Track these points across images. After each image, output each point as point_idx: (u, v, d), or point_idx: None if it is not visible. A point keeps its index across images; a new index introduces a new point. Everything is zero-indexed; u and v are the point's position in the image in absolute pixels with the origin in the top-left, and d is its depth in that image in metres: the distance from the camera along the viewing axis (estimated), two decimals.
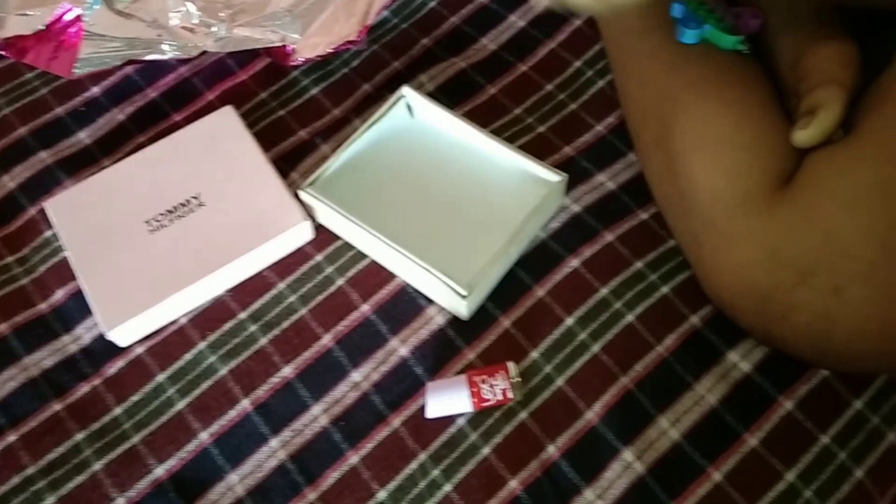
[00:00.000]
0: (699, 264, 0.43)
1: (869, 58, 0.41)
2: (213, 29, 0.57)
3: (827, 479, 0.41)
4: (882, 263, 0.35)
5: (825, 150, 0.39)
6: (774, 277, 0.37)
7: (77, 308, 0.48)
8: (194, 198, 0.50)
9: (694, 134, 0.43)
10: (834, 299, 0.36)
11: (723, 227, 0.40)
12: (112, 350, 0.47)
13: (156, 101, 0.57)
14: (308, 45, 0.54)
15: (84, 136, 0.56)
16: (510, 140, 0.53)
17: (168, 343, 0.47)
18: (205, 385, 0.46)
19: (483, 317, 0.47)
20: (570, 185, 0.51)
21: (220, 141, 0.52)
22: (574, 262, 0.48)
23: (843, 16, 0.44)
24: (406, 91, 0.52)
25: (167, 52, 0.55)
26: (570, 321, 0.46)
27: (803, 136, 0.39)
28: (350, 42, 0.53)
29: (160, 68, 0.57)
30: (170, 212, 0.50)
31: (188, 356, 0.47)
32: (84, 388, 0.46)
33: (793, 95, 0.43)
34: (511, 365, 0.44)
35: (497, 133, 0.53)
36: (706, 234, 0.41)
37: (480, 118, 0.54)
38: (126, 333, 0.47)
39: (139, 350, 0.47)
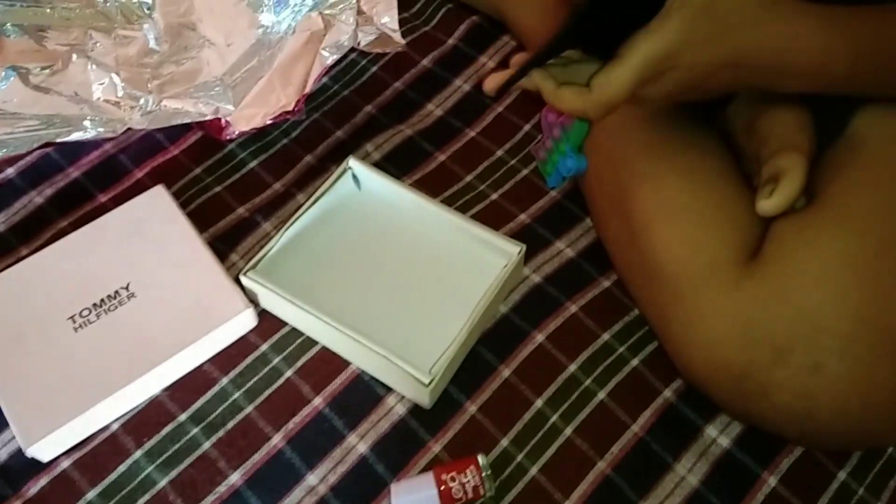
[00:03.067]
0: (668, 339, 0.41)
1: (820, 123, 0.41)
2: (141, 102, 0.53)
3: None
4: (859, 337, 0.34)
5: (791, 222, 0.38)
6: (749, 355, 0.36)
7: None
8: (124, 288, 0.46)
9: (653, 202, 0.41)
10: (814, 377, 0.34)
11: (691, 301, 0.38)
12: (33, 467, 0.42)
13: (78, 180, 0.53)
14: (243, 116, 0.51)
15: None
16: (463, 209, 0.51)
17: (98, 454, 0.43)
18: (142, 501, 0.41)
19: (447, 403, 0.44)
20: (529, 255, 0.49)
21: (151, 223, 0.48)
22: (539, 337, 0.46)
23: None
24: (352, 162, 0.50)
25: (89, 129, 0.51)
26: (539, 403, 0.44)
27: (768, 205, 0.38)
28: (288, 112, 0.50)
29: (82, 145, 0.53)
30: (96, 306, 0.45)
31: (122, 468, 0.42)
32: None
33: (750, 160, 0.42)
34: (481, 457, 0.41)
35: (449, 202, 0.51)
36: (673, 308, 0.40)
37: (431, 187, 0.52)
38: (49, 447, 0.42)
39: (65, 464, 0.42)
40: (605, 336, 0.46)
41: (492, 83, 0.36)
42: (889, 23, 0.35)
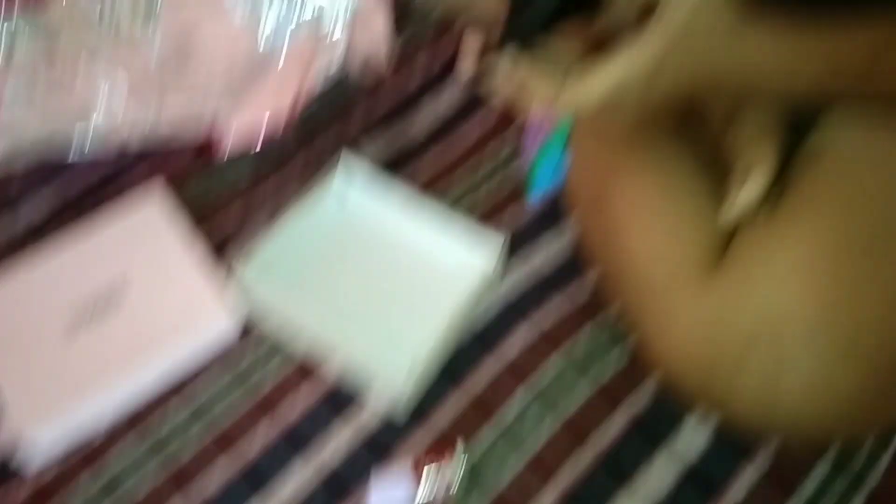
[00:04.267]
0: (643, 330, 0.42)
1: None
2: (141, 120, 0.56)
3: None
4: (818, 335, 0.35)
5: (756, 227, 0.39)
6: (719, 346, 0.37)
7: None
8: (117, 292, 0.48)
9: (630, 204, 0.43)
10: (778, 366, 0.35)
11: (662, 301, 0.40)
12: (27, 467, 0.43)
13: (81, 190, 0.55)
14: (235, 136, 0.53)
15: None
16: (450, 213, 0.52)
17: (93, 451, 0.43)
18: (141, 495, 0.42)
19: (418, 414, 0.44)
20: (509, 263, 0.50)
21: (148, 230, 0.50)
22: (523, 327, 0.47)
23: None
24: (342, 168, 0.52)
25: (91, 144, 0.53)
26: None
27: (733, 207, 0.39)
28: (276, 132, 0.52)
29: (87, 157, 0.55)
30: (90, 310, 0.47)
31: (117, 464, 0.43)
32: None
33: (725, 147, 0.43)
34: (459, 443, 0.41)
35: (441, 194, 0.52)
36: (647, 306, 0.41)
37: (419, 192, 0.53)
38: (44, 446, 0.42)
39: (59, 463, 0.43)
40: (569, 350, 0.46)
41: (467, 63, 0.37)
42: (853, 43, 0.37)
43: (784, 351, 0.35)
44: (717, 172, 0.44)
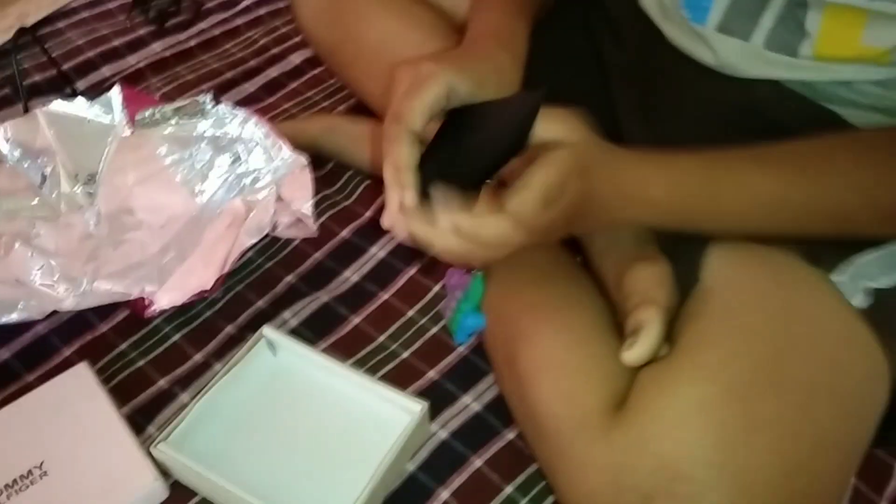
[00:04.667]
0: (555, 488, 0.43)
1: (680, 275, 0.45)
2: (75, 284, 0.57)
3: None
4: (712, 483, 0.35)
5: (651, 370, 0.41)
6: (621, 499, 0.37)
7: None
8: (37, 467, 0.47)
9: (534, 359, 0.44)
10: None
11: (568, 453, 0.40)
12: None
13: (8, 362, 0.55)
14: (166, 295, 0.54)
15: None
16: (374, 368, 0.54)
17: None
18: None
19: None
20: (437, 410, 0.51)
21: (71, 401, 0.50)
22: (444, 495, 0.47)
23: (658, 235, 0.49)
24: (266, 331, 0.53)
25: (21, 311, 0.54)
26: None
27: (630, 356, 0.41)
28: (205, 291, 0.54)
29: (15, 327, 0.56)
30: (8, 486, 0.46)
31: None
32: None
33: (620, 312, 0.46)
34: None
35: (362, 362, 0.54)
36: (556, 460, 0.41)
37: (345, 349, 0.55)
38: None
39: None
40: (509, 489, 0.47)
41: (388, 220, 0.39)
42: (711, 174, 0.40)
43: (679, 503, 0.35)
44: (621, 319, 0.46)
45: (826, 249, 0.42)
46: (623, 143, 0.51)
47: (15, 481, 0.47)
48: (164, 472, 0.47)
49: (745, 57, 0.46)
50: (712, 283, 0.43)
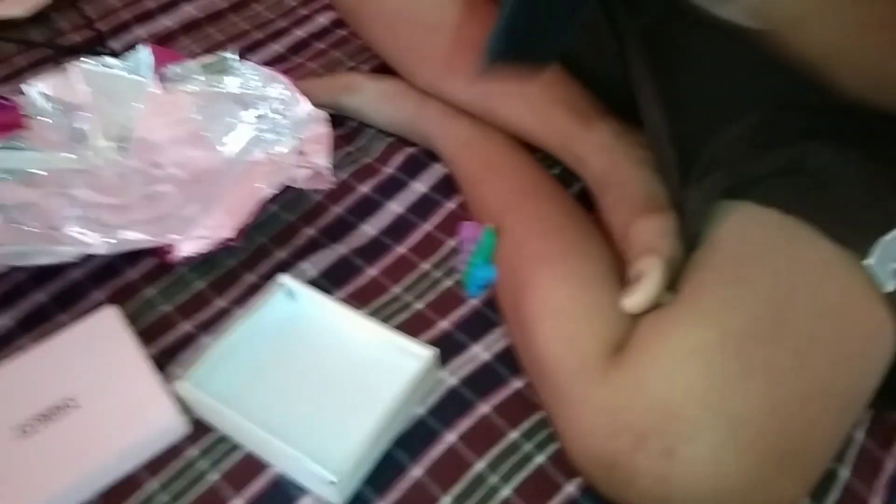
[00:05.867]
0: (558, 432, 0.44)
1: (689, 228, 0.45)
2: (105, 232, 0.59)
3: None
4: (705, 423, 0.36)
5: (650, 316, 0.41)
6: (615, 443, 0.38)
7: None
8: (70, 399, 0.50)
9: (538, 305, 0.45)
10: (667, 462, 0.36)
11: (568, 394, 0.41)
12: None
13: (44, 303, 0.58)
14: (190, 244, 0.57)
15: None
16: (389, 318, 0.55)
17: None
18: None
19: (359, 502, 0.46)
20: (447, 359, 0.52)
21: (100, 341, 0.53)
22: (451, 437, 0.49)
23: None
24: (284, 279, 0.55)
25: (55, 255, 0.57)
26: (447, 500, 0.46)
27: (629, 303, 0.42)
28: (229, 240, 0.56)
29: (50, 271, 0.59)
30: (43, 416, 0.49)
31: None
32: None
33: (627, 264, 0.46)
34: None
35: (376, 312, 0.56)
36: (556, 401, 0.43)
37: (362, 299, 0.57)
38: None
39: None
40: (514, 434, 0.48)
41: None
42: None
43: (672, 442, 0.36)
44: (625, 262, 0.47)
45: (847, 223, 0.41)
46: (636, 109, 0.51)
47: (48, 411, 0.49)
48: (185, 408, 0.50)
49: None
50: (719, 236, 0.43)
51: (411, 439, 0.49)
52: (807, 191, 0.43)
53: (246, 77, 0.65)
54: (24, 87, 0.64)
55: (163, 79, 0.67)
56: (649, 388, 0.38)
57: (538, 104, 0.57)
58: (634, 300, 0.41)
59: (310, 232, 0.62)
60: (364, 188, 0.65)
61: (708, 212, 0.44)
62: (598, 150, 0.54)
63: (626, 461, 0.38)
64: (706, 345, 0.38)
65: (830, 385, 0.39)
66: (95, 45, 0.80)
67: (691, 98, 0.50)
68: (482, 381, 0.51)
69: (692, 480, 0.36)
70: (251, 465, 0.48)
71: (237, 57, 0.65)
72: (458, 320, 0.55)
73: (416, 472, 0.47)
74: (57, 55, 0.75)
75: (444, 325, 0.55)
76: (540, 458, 0.47)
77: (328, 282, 0.58)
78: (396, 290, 0.57)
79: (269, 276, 0.59)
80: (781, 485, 0.37)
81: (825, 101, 0.47)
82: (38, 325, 0.57)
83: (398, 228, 0.61)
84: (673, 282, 0.44)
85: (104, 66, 0.67)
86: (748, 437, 0.36)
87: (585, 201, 0.56)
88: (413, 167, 0.66)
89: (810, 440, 0.38)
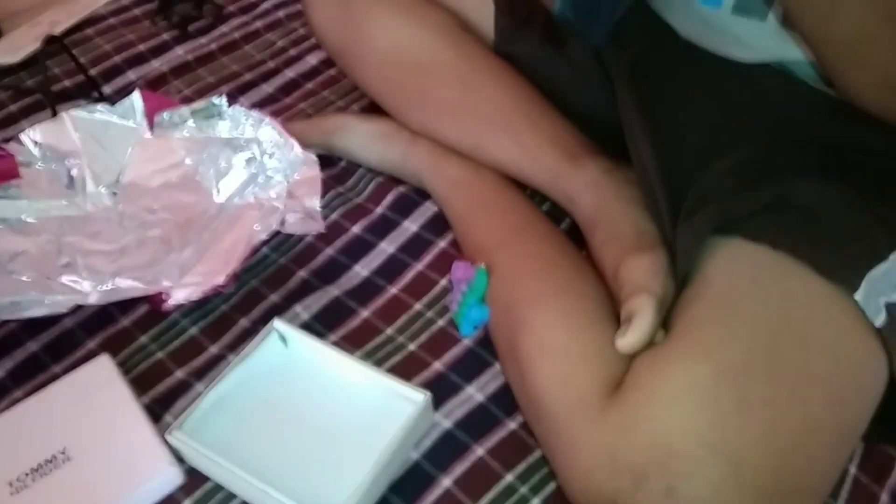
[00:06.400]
0: (556, 471, 0.44)
1: (679, 266, 0.45)
2: (98, 281, 0.59)
3: None
4: (704, 460, 0.36)
5: (647, 354, 0.41)
6: (615, 483, 0.38)
7: None
8: (61, 453, 0.50)
9: (534, 345, 0.45)
10: (668, 500, 0.36)
11: (566, 434, 0.41)
12: None
13: (36, 354, 0.58)
14: (182, 291, 0.57)
15: None
16: (382, 360, 0.55)
17: None
18: None
19: None
20: (441, 400, 0.52)
21: (93, 391, 0.53)
22: (446, 482, 0.48)
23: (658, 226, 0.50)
24: (277, 323, 0.55)
25: (47, 306, 0.57)
26: None
27: (623, 343, 0.42)
28: (219, 286, 0.56)
29: (42, 321, 0.59)
30: (34, 470, 0.49)
31: None
32: None
33: (619, 303, 0.46)
34: None
35: (370, 355, 0.56)
36: (555, 441, 0.43)
37: (354, 341, 0.57)
38: None
39: None
40: (509, 477, 0.48)
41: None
42: None
43: (672, 481, 0.36)
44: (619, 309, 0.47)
45: (835, 258, 0.42)
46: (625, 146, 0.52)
47: (40, 465, 0.49)
48: (179, 458, 0.50)
49: (760, 37, 0.46)
50: (711, 273, 0.44)
51: (407, 485, 0.48)
52: (795, 226, 0.43)
53: (236, 121, 0.66)
54: (21, 136, 0.65)
55: (154, 125, 0.67)
56: (647, 425, 0.38)
57: (527, 142, 0.58)
58: (628, 340, 0.42)
59: (302, 274, 0.62)
60: (356, 229, 0.65)
61: (699, 249, 0.44)
62: (588, 188, 0.54)
63: (627, 501, 0.37)
64: (702, 381, 0.38)
65: (826, 419, 0.39)
66: (88, 91, 0.81)
67: (679, 133, 0.51)
68: (476, 423, 0.51)
69: None
70: None
71: (226, 102, 0.66)
72: (452, 361, 0.55)
73: None
74: (49, 101, 0.76)
75: (437, 366, 0.55)
76: (536, 501, 0.47)
77: (321, 325, 0.58)
78: (389, 331, 0.57)
79: (261, 321, 0.58)
80: None
81: (812, 135, 0.47)
82: (30, 376, 0.57)
83: (390, 269, 0.62)
84: (665, 319, 0.44)
85: (96, 112, 0.67)
86: (747, 474, 0.36)
87: (575, 238, 0.56)
88: (404, 206, 0.66)
89: (808, 475, 0.38)
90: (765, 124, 0.50)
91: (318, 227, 0.59)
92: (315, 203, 0.60)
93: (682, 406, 0.37)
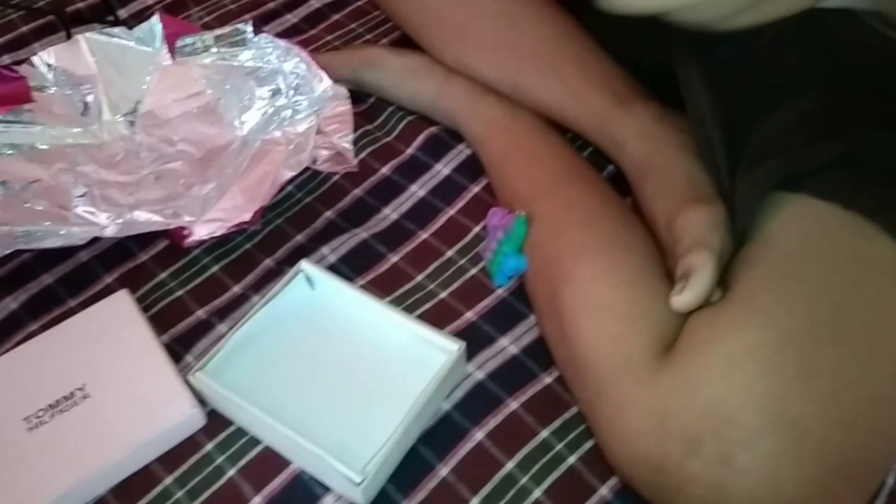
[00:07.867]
0: (597, 432, 0.42)
1: (739, 220, 0.43)
2: (115, 213, 0.57)
3: None
4: (764, 429, 0.34)
5: (703, 314, 0.39)
6: (665, 447, 0.36)
7: None
8: (79, 389, 0.48)
9: (579, 300, 0.43)
10: (724, 469, 0.34)
11: (612, 394, 0.39)
12: None
13: (51, 287, 0.56)
14: (204, 225, 0.54)
15: None
16: (412, 307, 0.53)
17: None
18: None
19: (383, 502, 0.44)
20: (473, 351, 0.50)
21: (112, 327, 0.51)
22: (479, 435, 0.46)
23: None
24: (304, 265, 0.52)
25: (63, 237, 0.54)
26: (475, 501, 0.44)
27: (679, 301, 0.39)
28: (245, 223, 0.53)
29: (57, 253, 0.57)
30: (52, 406, 0.47)
31: None
32: None
33: (671, 256, 0.44)
34: None
35: (399, 301, 0.53)
36: (598, 401, 0.40)
37: (383, 287, 0.54)
38: None
39: None
40: (545, 433, 0.46)
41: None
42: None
43: (728, 448, 0.34)
44: (670, 264, 0.44)
45: None
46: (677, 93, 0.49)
47: (58, 401, 0.47)
48: (201, 400, 0.48)
49: None
50: (774, 231, 0.41)
51: (437, 437, 0.47)
52: (869, 185, 0.40)
53: (261, 50, 0.62)
54: (34, 59, 0.61)
55: (174, 51, 0.64)
56: (703, 390, 0.35)
57: (573, 84, 0.54)
58: (685, 298, 0.39)
59: (328, 215, 0.59)
60: (384, 169, 0.62)
61: (760, 204, 0.41)
62: (638, 133, 0.51)
63: (676, 467, 0.36)
64: (764, 346, 0.35)
65: (894, 390, 0.36)
66: (102, 14, 0.77)
67: (740, 80, 0.47)
68: (510, 376, 0.49)
69: (749, 490, 0.34)
70: (270, 461, 0.46)
71: (252, 29, 0.62)
72: (484, 311, 0.53)
73: (443, 471, 0.45)
74: (64, 23, 0.72)
75: (469, 315, 0.52)
76: (572, 459, 0.45)
77: (348, 268, 0.56)
78: (419, 278, 0.55)
79: (286, 261, 0.56)
80: (842, 496, 0.35)
81: (884, 87, 0.44)
82: (45, 309, 0.55)
83: (421, 213, 0.59)
84: (721, 277, 0.42)
85: (113, 36, 0.63)
86: (810, 446, 0.34)
87: (618, 187, 0.53)
88: (436, 148, 0.63)
89: (873, 449, 0.36)
90: (835, 73, 0.47)
91: (350, 164, 0.56)
92: (347, 140, 0.57)
93: (741, 372, 0.35)
